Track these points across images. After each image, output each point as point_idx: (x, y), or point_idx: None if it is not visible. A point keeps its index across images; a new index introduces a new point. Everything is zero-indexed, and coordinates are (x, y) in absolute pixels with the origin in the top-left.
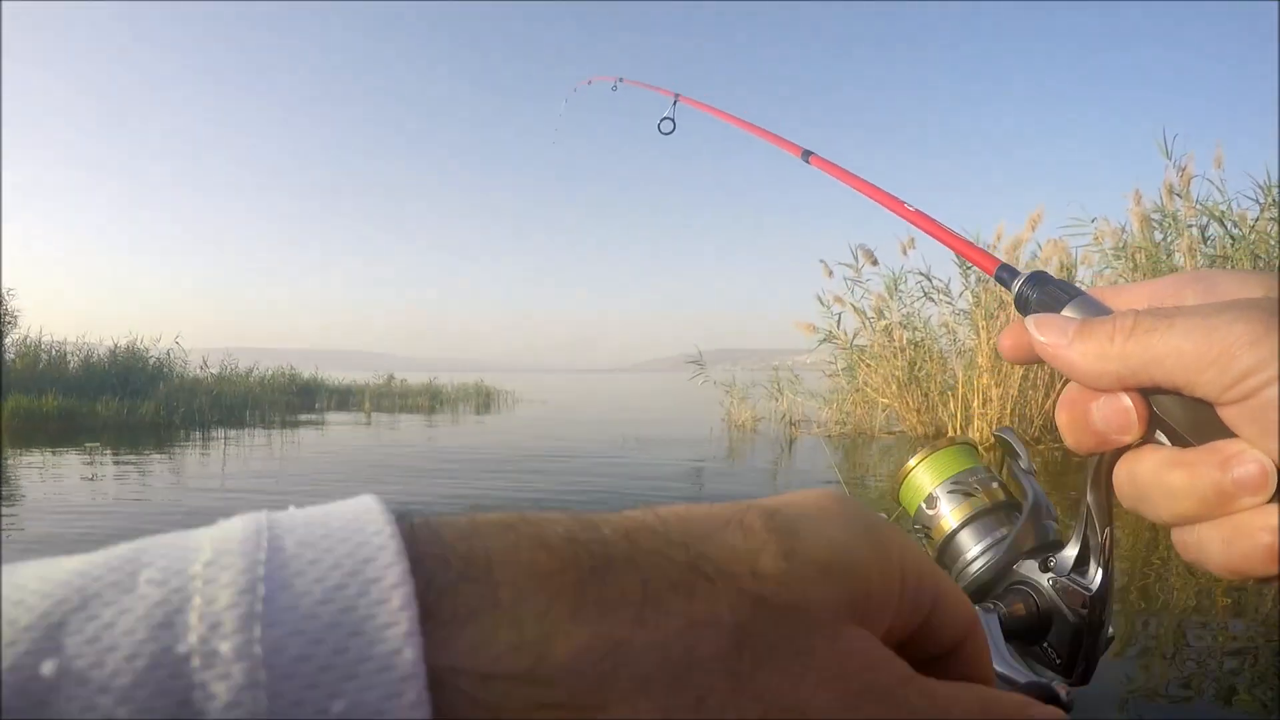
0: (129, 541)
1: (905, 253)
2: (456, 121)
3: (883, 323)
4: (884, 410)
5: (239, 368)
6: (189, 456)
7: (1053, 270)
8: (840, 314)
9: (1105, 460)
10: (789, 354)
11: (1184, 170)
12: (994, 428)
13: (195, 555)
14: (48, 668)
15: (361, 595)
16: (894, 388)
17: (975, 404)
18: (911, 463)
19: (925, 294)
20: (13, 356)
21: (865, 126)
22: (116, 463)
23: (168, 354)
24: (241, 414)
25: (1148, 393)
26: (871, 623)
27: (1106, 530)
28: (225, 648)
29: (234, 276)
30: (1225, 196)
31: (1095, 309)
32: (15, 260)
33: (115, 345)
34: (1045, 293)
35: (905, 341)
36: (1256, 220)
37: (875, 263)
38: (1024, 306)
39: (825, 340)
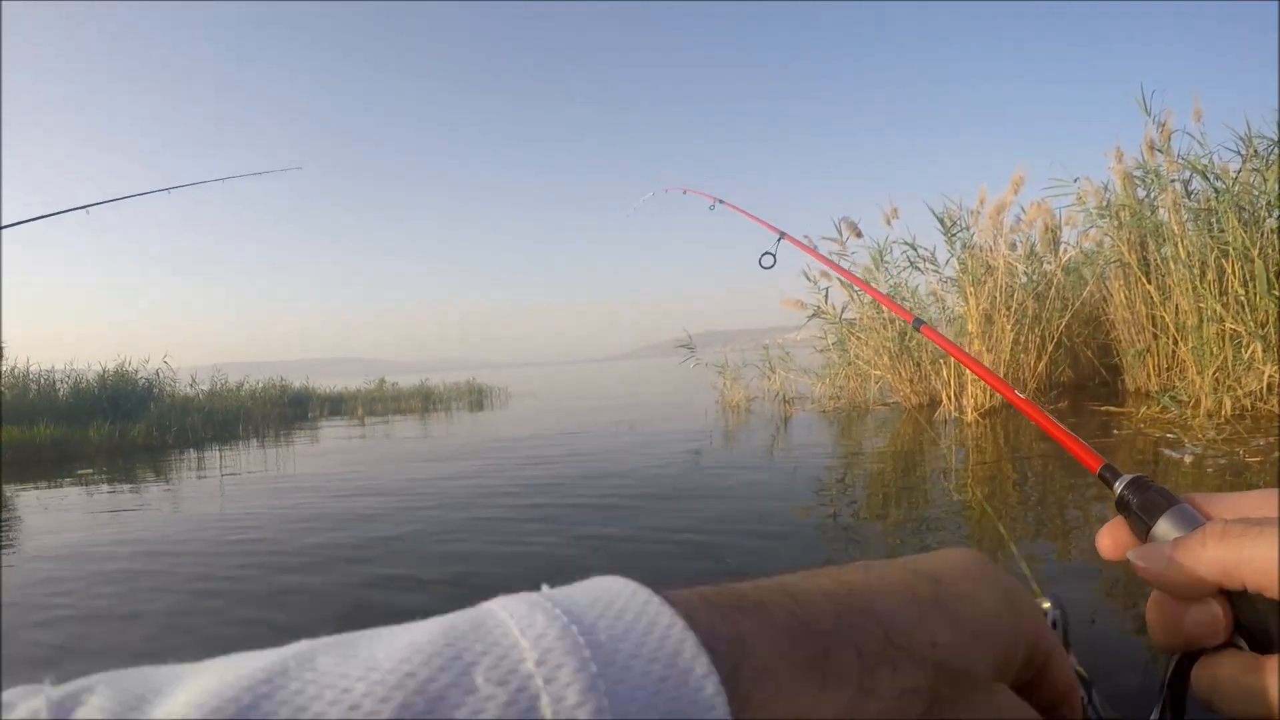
0: (406, 628)
1: (889, 223)
2: (434, 117)
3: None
4: (877, 382)
5: (229, 383)
6: (185, 475)
7: (1037, 233)
8: (827, 288)
9: (1186, 657)
10: (778, 332)
11: (1164, 125)
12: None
13: (520, 653)
14: None
15: (681, 685)
16: (886, 359)
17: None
18: None
19: (911, 263)
20: (1, 389)
21: (837, 93)
22: (111, 489)
23: (157, 374)
24: (235, 428)
25: (1232, 598)
26: (1006, 676)
27: None
28: None
29: (219, 292)
30: (1206, 150)
31: (1191, 519)
32: None
33: (104, 369)
34: (1145, 498)
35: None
36: (1239, 172)
37: (859, 235)
38: (1124, 508)
39: (814, 316)
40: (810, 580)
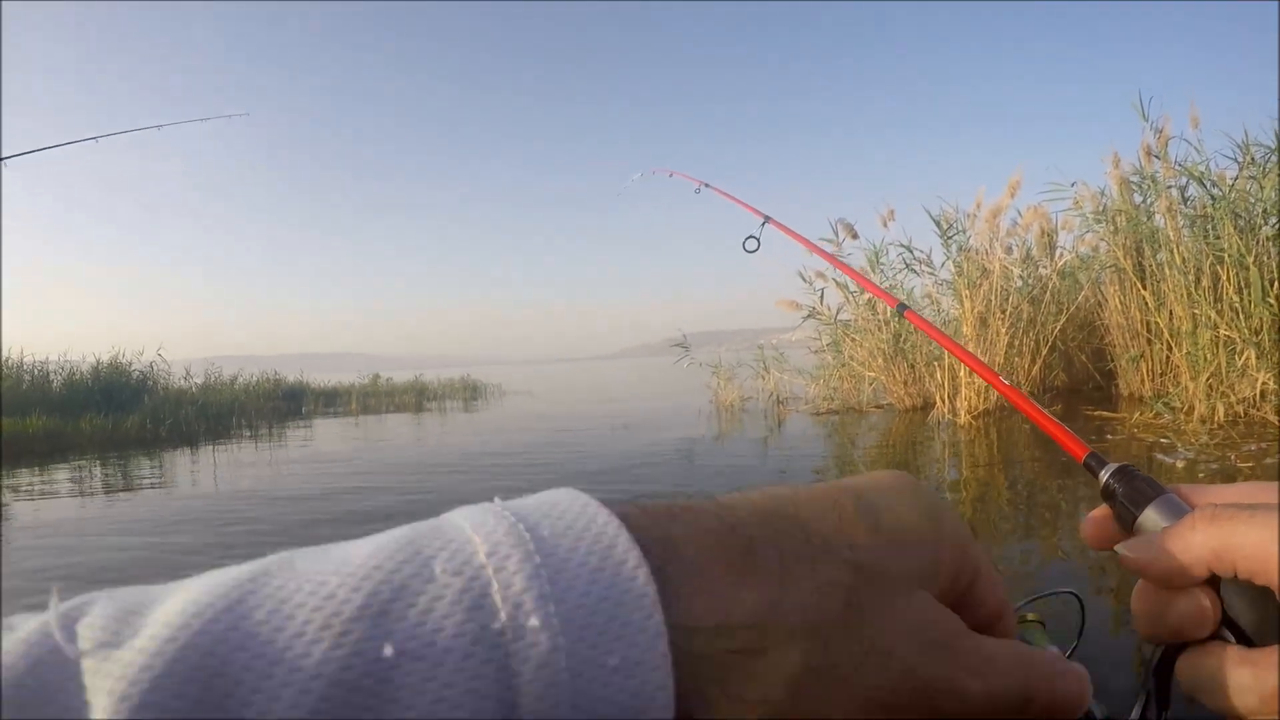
0: (373, 537)
1: (885, 225)
2: (431, 116)
3: (866, 296)
4: (871, 384)
5: (223, 376)
6: (179, 468)
7: (1033, 237)
8: (823, 289)
9: (1171, 649)
10: (773, 332)
11: (1161, 131)
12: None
13: (473, 547)
14: (388, 650)
15: (616, 575)
16: (880, 361)
17: (962, 373)
18: None
19: (907, 265)
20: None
21: (834, 95)
22: (105, 481)
23: (151, 367)
24: (228, 422)
25: (1219, 589)
26: (930, 586)
27: (1164, 714)
28: (532, 621)
29: (216, 284)
30: (1203, 156)
31: (1178, 509)
32: None
33: (98, 361)
34: (1131, 487)
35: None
36: (1236, 179)
37: (855, 236)
38: (1110, 496)
39: (809, 316)
40: (742, 495)
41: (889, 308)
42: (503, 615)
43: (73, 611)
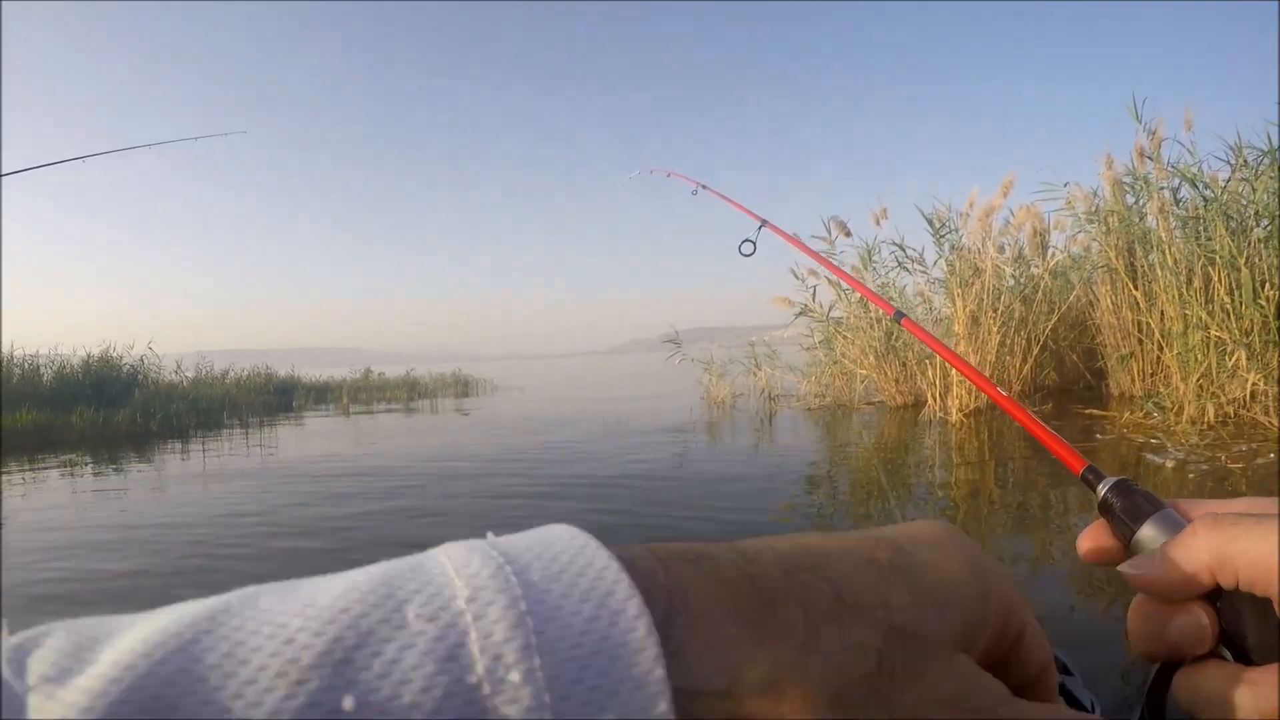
0: (348, 573)
1: (878, 223)
2: (428, 112)
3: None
4: (862, 381)
5: (214, 370)
6: (169, 462)
7: (1025, 237)
8: (815, 287)
9: (1168, 666)
10: (765, 329)
11: (1154, 133)
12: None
13: (452, 591)
14: (348, 703)
15: (612, 626)
16: (871, 358)
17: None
18: None
19: (899, 264)
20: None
21: (829, 93)
22: (95, 475)
23: (141, 361)
24: (219, 416)
25: (1217, 606)
26: (971, 647)
27: None
28: (513, 676)
29: (209, 278)
30: (1196, 158)
31: (1176, 524)
32: None
33: (89, 355)
34: (1129, 502)
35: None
36: (1228, 181)
37: (848, 234)
38: (1107, 510)
39: (801, 314)
40: (765, 542)
41: (882, 309)
42: (480, 668)
43: (28, 643)
